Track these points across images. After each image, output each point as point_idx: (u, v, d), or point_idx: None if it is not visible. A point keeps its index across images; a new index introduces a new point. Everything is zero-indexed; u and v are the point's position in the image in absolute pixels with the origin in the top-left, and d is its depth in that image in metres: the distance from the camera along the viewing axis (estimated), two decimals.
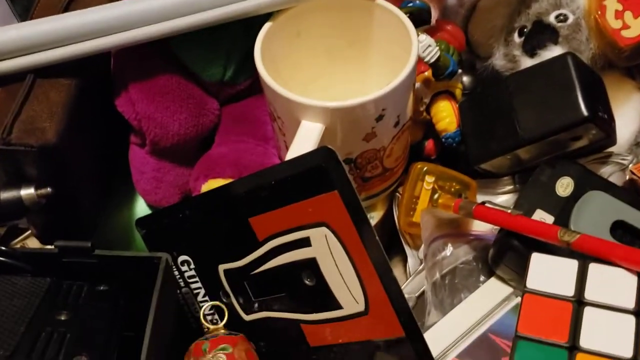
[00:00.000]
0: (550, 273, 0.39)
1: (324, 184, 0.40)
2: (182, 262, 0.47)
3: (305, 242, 0.42)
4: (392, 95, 0.44)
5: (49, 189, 0.45)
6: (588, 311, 0.37)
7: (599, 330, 0.36)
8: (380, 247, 0.40)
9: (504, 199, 0.54)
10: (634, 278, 0.37)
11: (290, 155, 0.43)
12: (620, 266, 0.38)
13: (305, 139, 0.44)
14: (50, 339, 0.40)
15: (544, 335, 0.37)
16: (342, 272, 0.41)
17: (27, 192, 0.45)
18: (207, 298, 0.47)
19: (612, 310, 0.36)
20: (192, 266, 0.47)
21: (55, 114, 0.45)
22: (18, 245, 0.57)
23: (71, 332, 0.41)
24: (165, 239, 0.47)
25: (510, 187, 0.54)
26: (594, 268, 0.38)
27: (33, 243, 0.57)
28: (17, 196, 0.45)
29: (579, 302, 0.37)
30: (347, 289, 0.41)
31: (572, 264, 0.39)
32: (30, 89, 0.46)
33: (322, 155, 0.39)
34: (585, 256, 0.39)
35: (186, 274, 0.47)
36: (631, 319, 0.35)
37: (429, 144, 0.56)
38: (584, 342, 0.36)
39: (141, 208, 0.56)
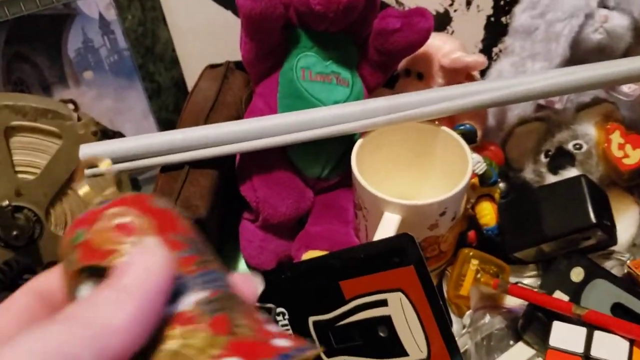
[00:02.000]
0: (566, 336, 0.47)
1: (403, 260, 0.45)
2: (279, 313, 0.50)
3: (383, 303, 0.46)
4: (453, 198, 0.52)
5: None
6: None
7: None
8: (443, 310, 0.45)
9: (529, 281, 0.61)
10: (627, 343, 0.45)
11: (377, 237, 0.50)
12: (617, 334, 0.46)
13: (387, 226, 0.51)
14: None
15: None
16: (411, 327, 0.46)
17: None
18: None
19: None
20: (287, 317, 0.50)
21: (204, 195, 0.54)
22: None
23: None
24: (267, 293, 0.48)
25: (534, 273, 0.61)
26: (597, 334, 0.46)
27: None
28: None
29: (586, 357, 0.46)
30: (414, 341, 0.46)
31: (582, 330, 0.47)
32: (187, 175, 0.55)
33: (404, 239, 0.45)
34: (591, 325, 0.47)
35: (280, 323, 0.51)
36: None
37: (472, 234, 0.63)
38: None
39: (242, 267, 0.62)
